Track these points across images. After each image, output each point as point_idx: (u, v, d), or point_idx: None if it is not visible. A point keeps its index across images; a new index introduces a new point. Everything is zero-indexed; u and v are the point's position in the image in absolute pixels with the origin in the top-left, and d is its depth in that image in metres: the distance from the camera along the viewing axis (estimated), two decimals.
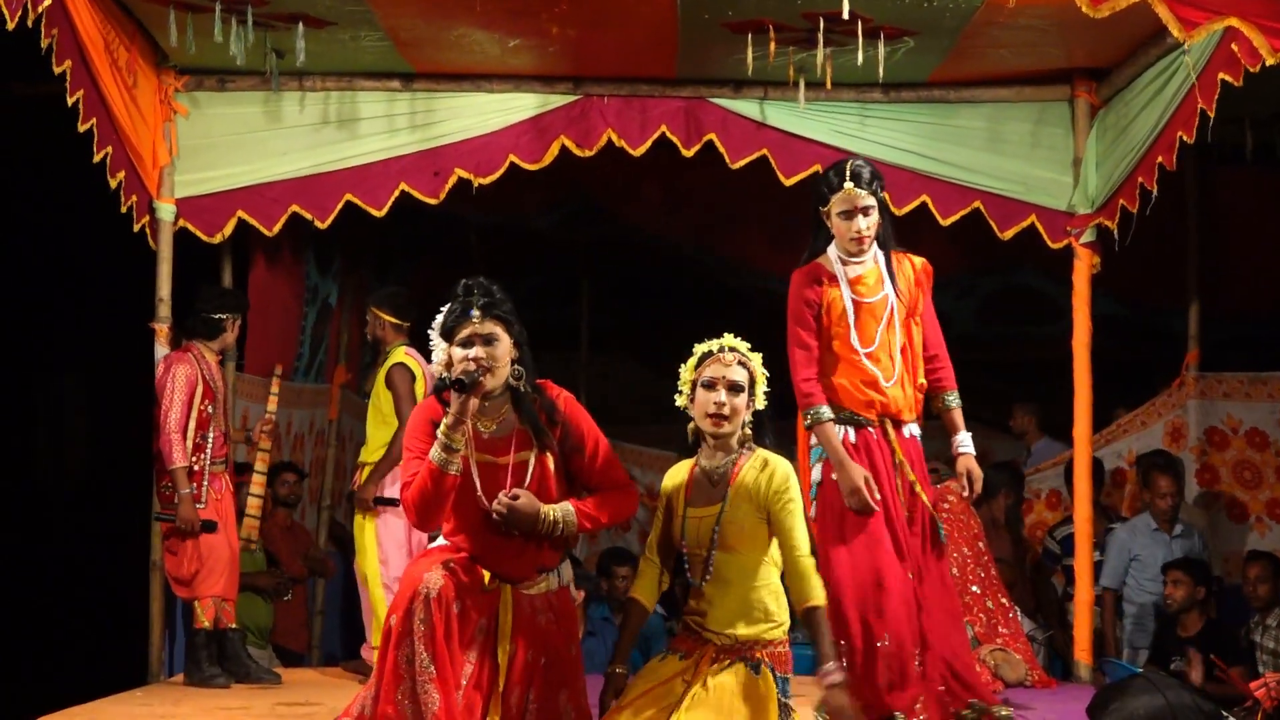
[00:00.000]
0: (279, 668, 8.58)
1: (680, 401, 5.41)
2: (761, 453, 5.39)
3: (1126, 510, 10.09)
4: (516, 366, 5.26)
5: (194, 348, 8.10)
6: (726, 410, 5.28)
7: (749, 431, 5.38)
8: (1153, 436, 10.17)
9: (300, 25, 7.72)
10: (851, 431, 6.08)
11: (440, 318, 5.28)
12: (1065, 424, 8.65)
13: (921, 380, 6.23)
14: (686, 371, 5.38)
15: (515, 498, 5.14)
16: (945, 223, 8.59)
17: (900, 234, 9.91)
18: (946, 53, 8.09)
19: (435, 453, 5.06)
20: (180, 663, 8.37)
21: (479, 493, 5.19)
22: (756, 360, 5.39)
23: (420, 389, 8.08)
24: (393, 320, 8.26)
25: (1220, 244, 10.50)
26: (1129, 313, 11.21)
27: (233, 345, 8.33)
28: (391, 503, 7.96)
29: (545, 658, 5.20)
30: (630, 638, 5.45)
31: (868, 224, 6.09)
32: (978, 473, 6.23)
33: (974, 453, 6.25)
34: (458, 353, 5.17)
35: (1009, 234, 8.62)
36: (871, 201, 6.07)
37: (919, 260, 6.26)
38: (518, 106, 8.55)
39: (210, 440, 8.03)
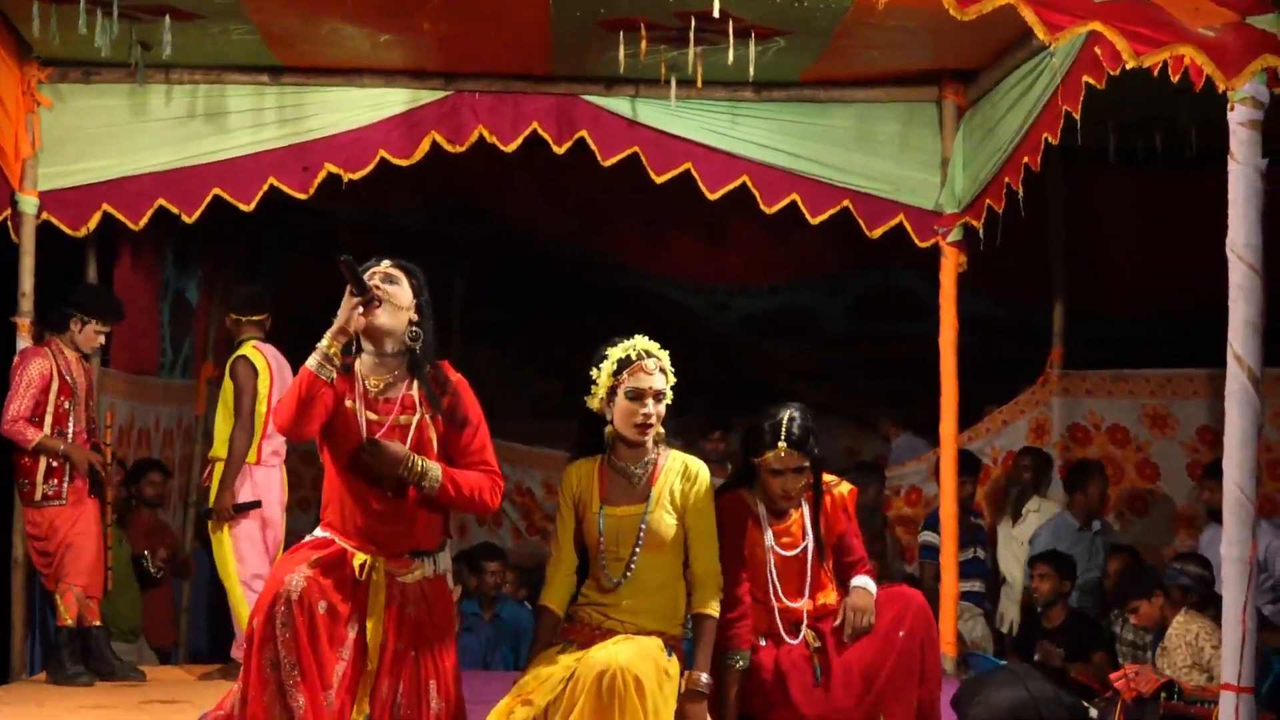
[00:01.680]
0: (147, 665, 8.46)
1: (593, 404, 5.43)
2: (677, 455, 5.49)
3: (986, 507, 10.22)
4: (415, 329, 5.21)
5: (53, 343, 8.00)
6: (654, 419, 5.36)
7: (662, 431, 5.45)
8: (1017, 433, 10.33)
9: (167, 18, 7.60)
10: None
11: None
12: (935, 421, 8.75)
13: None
14: (603, 376, 5.39)
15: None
16: (814, 221, 8.64)
17: (772, 231, 10.13)
18: (817, 53, 8.13)
19: (312, 359, 5.02)
20: (41, 662, 8.25)
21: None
22: (667, 360, 5.44)
23: (264, 384, 8.00)
24: (240, 317, 8.23)
25: (1086, 244, 10.66)
26: (998, 311, 11.35)
27: (91, 347, 8.16)
28: (248, 507, 7.98)
29: (415, 649, 5.16)
30: (544, 647, 5.42)
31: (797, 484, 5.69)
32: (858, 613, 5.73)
33: (870, 591, 5.72)
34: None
35: (877, 233, 8.69)
36: (805, 463, 5.65)
37: (844, 489, 5.86)
38: (388, 102, 8.49)
39: (70, 435, 7.92)
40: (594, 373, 5.43)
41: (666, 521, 5.40)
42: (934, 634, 5.62)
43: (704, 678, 5.36)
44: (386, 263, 5.23)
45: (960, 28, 6.25)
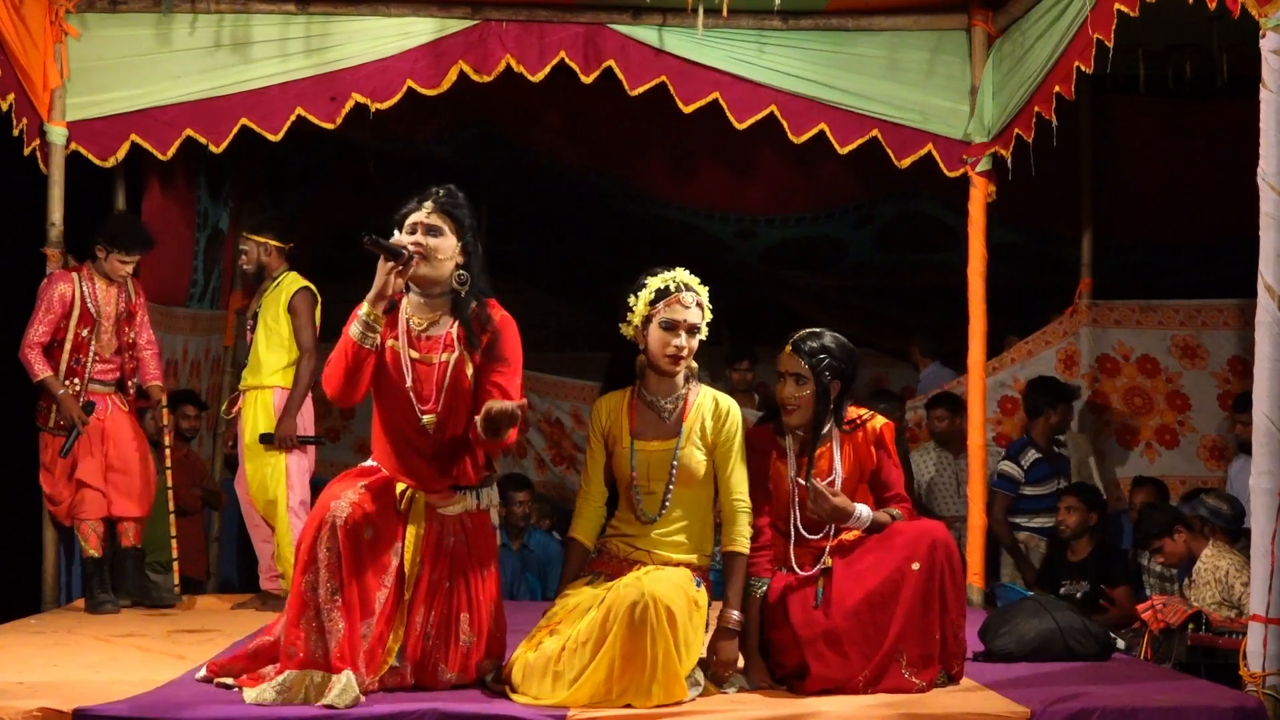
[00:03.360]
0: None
1: (627, 331, 5.47)
2: (708, 390, 5.54)
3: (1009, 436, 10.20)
4: (462, 272, 5.28)
5: (84, 269, 8.05)
6: (685, 352, 5.40)
7: (694, 364, 5.49)
8: (1044, 364, 10.27)
9: None
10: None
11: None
12: (961, 350, 8.74)
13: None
14: (639, 304, 5.42)
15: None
16: (843, 151, 8.60)
17: (799, 161, 10.07)
18: None
19: (354, 328, 5.10)
20: (80, 588, 8.34)
21: (408, 385, 5.22)
22: (705, 296, 5.47)
23: (318, 314, 8.09)
24: (277, 244, 8.24)
25: (1114, 172, 10.60)
26: (1025, 240, 11.29)
27: (119, 276, 8.13)
28: (312, 441, 8.16)
29: (451, 580, 5.26)
30: (573, 577, 5.50)
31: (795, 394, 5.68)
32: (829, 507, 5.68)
33: (852, 513, 5.65)
34: (402, 238, 5.22)
35: (906, 162, 8.65)
36: (806, 373, 5.63)
37: (878, 423, 5.84)
38: (415, 31, 8.44)
39: (87, 364, 7.98)
40: (630, 299, 5.45)
41: (697, 457, 5.45)
42: (956, 567, 5.58)
43: (735, 615, 5.42)
44: (429, 208, 5.26)
45: None
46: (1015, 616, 6.59)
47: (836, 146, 8.60)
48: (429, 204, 5.27)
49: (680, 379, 5.48)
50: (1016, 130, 8.09)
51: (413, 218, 5.25)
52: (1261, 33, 5.31)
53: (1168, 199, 10.82)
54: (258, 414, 8.12)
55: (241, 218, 10.60)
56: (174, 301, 9.97)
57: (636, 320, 5.44)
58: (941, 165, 8.60)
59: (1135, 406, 10.26)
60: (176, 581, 8.45)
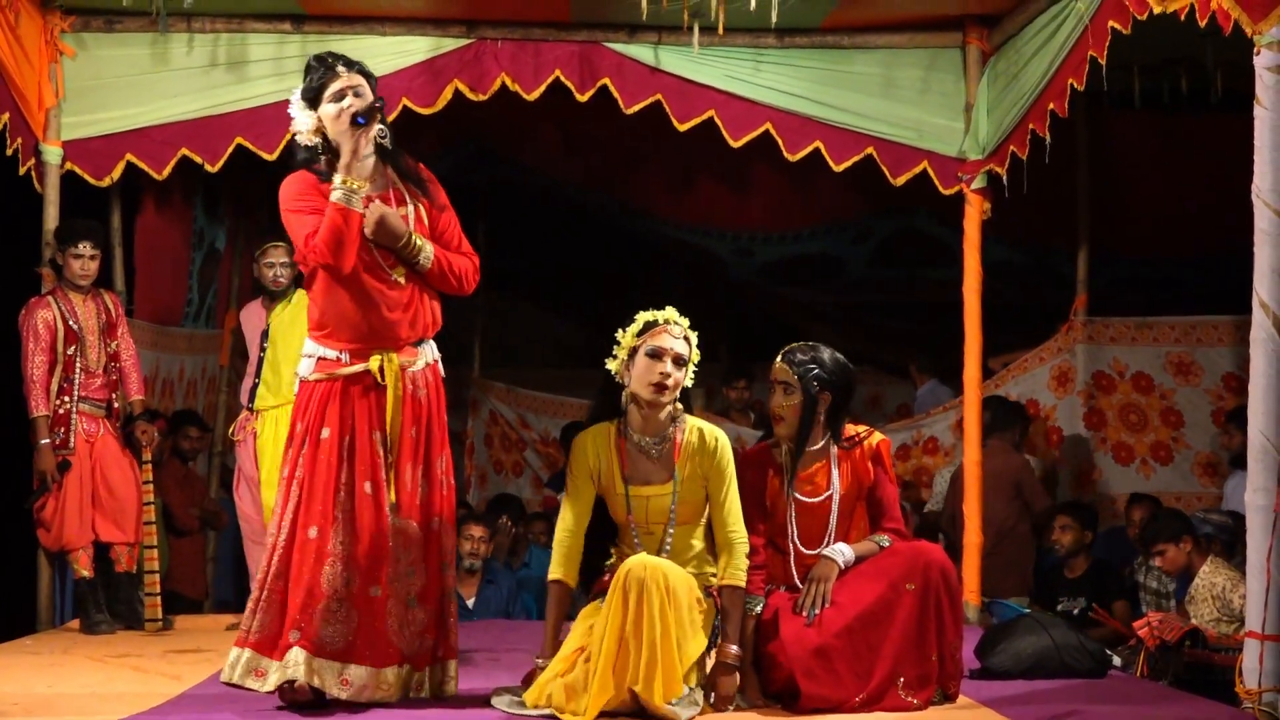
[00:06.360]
0: (174, 615, 8.49)
1: (613, 366, 5.47)
2: (692, 420, 5.52)
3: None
4: (381, 127, 5.37)
5: (57, 290, 8.05)
6: (670, 381, 5.36)
7: (679, 406, 5.48)
8: (1038, 380, 10.31)
9: None
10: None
11: (300, 90, 5.44)
12: (959, 366, 8.76)
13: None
14: (626, 338, 5.43)
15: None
16: (838, 169, 8.61)
17: (796, 178, 10.09)
18: None
19: (338, 195, 5.19)
20: (73, 609, 8.34)
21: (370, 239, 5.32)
22: (694, 336, 5.48)
23: None
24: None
25: (1110, 188, 10.62)
26: (1022, 256, 11.32)
27: (87, 275, 8.06)
28: None
29: (422, 429, 5.40)
30: (557, 625, 5.48)
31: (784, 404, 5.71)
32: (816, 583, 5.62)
33: (836, 561, 5.62)
34: (331, 108, 5.31)
35: (901, 180, 8.66)
36: (794, 383, 5.66)
37: (876, 439, 5.83)
38: (411, 50, 8.47)
39: (76, 382, 7.98)
40: (619, 334, 5.46)
41: (696, 497, 5.46)
42: (954, 588, 5.56)
43: (734, 649, 5.41)
44: (342, 70, 5.37)
45: None
46: (1012, 634, 6.59)
47: (832, 164, 8.61)
48: (340, 67, 5.37)
49: (666, 416, 5.45)
50: (1011, 147, 8.09)
51: (335, 85, 5.33)
52: (1255, 49, 5.32)
53: (1164, 213, 10.85)
54: (279, 433, 8.11)
55: (239, 236, 10.61)
56: (170, 321, 9.98)
57: (623, 354, 5.44)
58: (937, 183, 8.60)
59: (1130, 423, 10.28)
60: (154, 593, 8.19)
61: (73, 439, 7.96)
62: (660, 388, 5.36)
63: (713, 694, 5.43)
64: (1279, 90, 5.27)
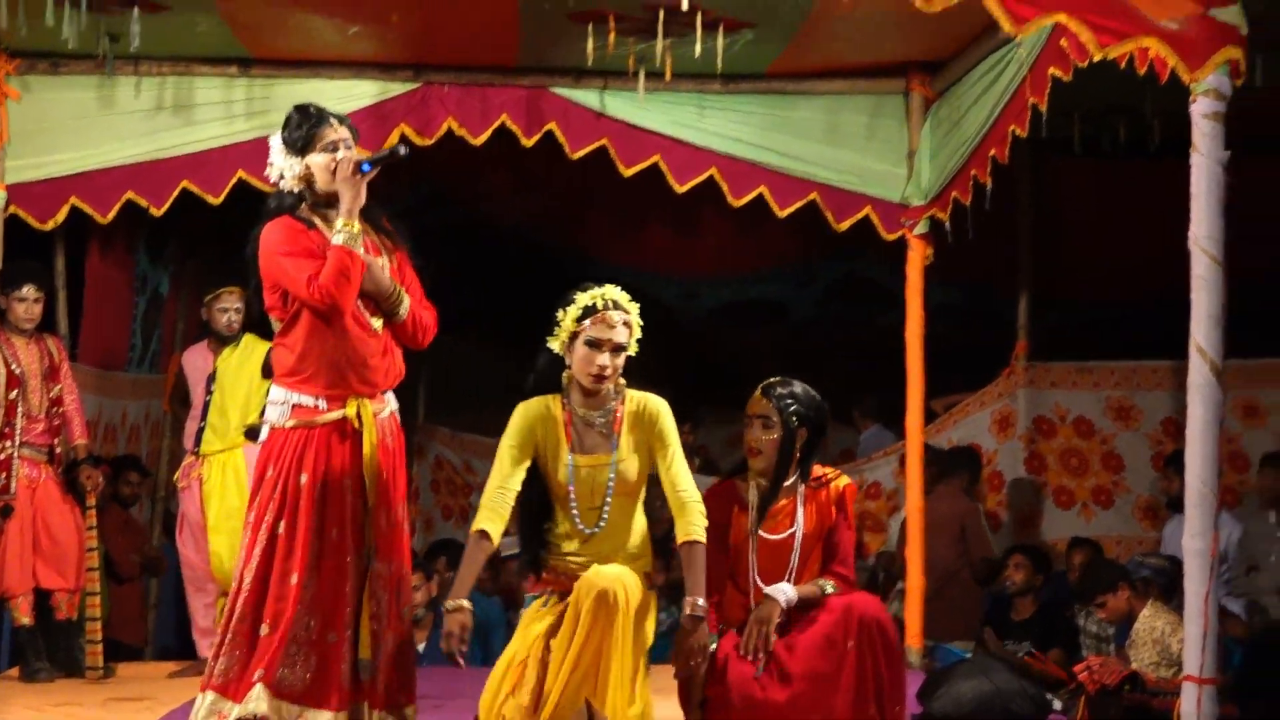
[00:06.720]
0: (114, 662, 8.44)
1: (554, 345, 5.42)
2: (632, 395, 5.47)
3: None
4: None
5: (0, 334, 8.04)
6: (609, 372, 5.34)
7: (622, 380, 5.46)
8: (980, 425, 10.41)
9: (135, 9, 7.60)
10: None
11: (282, 135, 5.46)
12: (899, 411, 8.84)
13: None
14: (567, 320, 5.37)
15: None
16: (782, 214, 8.69)
17: (742, 222, 10.15)
18: (785, 45, 8.18)
19: (341, 238, 5.24)
20: (9, 658, 8.31)
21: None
22: (635, 312, 5.44)
23: None
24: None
25: (1051, 234, 10.74)
26: (966, 300, 11.41)
27: (31, 319, 8.10)
28: None
29: (389, 476, 5.43)
30: (474, 572, 5.38)
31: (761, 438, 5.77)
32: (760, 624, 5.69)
33: (779, 601, 5.67)
34: (321, 158, 5.36)
35: (844, 225, 8.74)
36: (774, 417, 5.74)
37: (842, 482, 5.88)
38: (358, 94, 8.48)
39: (18, 427, 7.97)
40: (559, 314, 5.42)
41: (634, 468, 5.43)
42: (890, 640, 5.56)
43: (700, 600, 5.33)
44: (334, 123, 5.43)
45: (926, 20, 6.29)
46: (953, 678, 6.64)
47: (776, 209, 8.69)
48: (332, 120, 5.44)
49: (607, 392, 5.44)
50: (954, 193, 8.18)
51: (328, 136, 5.39)
52: (1192, 97, 5.41)
53: (1104, 258, 10.97)
54: (226, 479, 8.10)
55: (184, 280, 10.59)
56: (114, 366, 9.97)
57: (563, 336, 5.41)
58: (880, 228, 8.68)
59: (1071, 467, 10.39)
60: (95, 640, 8.14)
61: (13, 484, 7.93)
62: (599, 379, 5.35)
63: (682, 648, 5.35)
64: (1215, 137, 5.36)
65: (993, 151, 7.60)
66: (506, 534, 5.49)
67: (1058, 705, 6.96)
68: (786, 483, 5.74)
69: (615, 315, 5.37)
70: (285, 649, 5.19)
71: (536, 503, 5.51)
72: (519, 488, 5.42)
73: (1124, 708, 7.00)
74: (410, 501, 11.94)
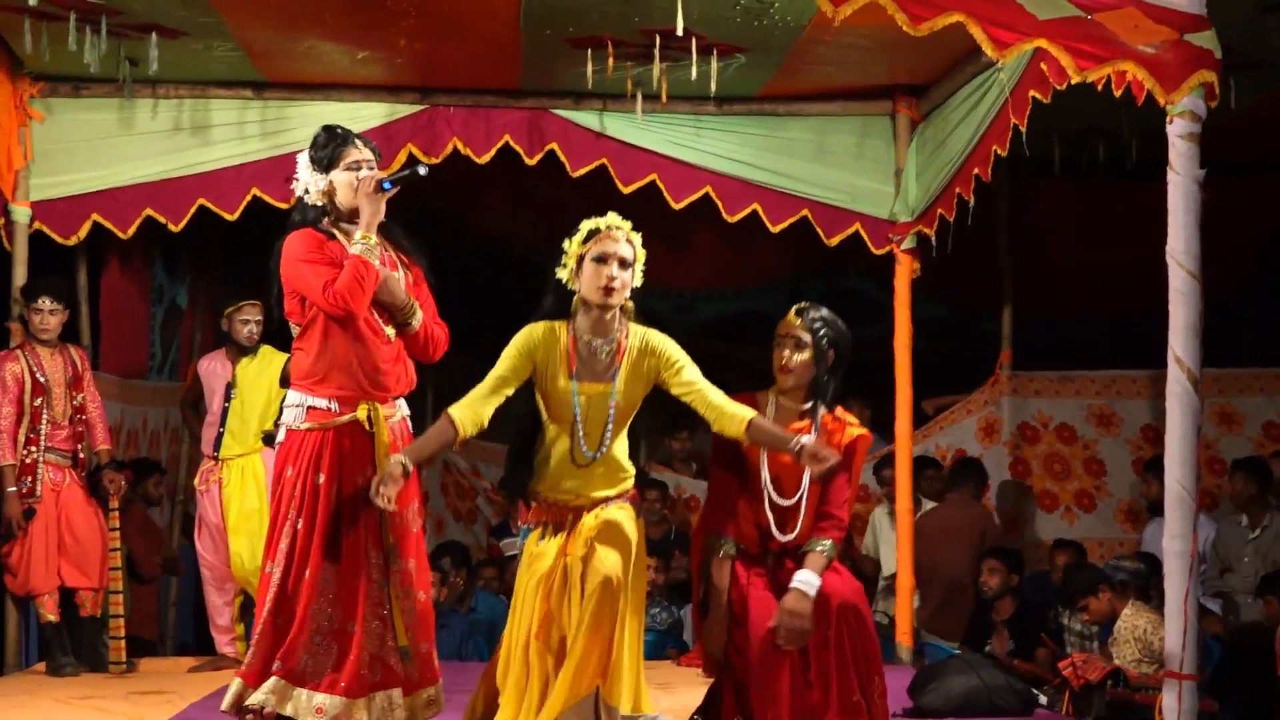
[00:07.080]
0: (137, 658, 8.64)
1: (563, 275, 5.43)
2: (637, 330, 5.49)
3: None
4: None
5: (25, 344, 8.26)
6: (618, 284, 5.35)
7: (630, 305, 5.48)
8: (966, 431, 10.57)
9: (154, 35, 7.86)
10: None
11: (309, 153, 5.66)
12: (888, 420, 9.07)
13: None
14: (573, 246, 5.41)
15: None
16: (775, 229, 8.97)
17: (735, 239, 10.36)
18: (776, 69, 8.42)
19: (359, 248, 5.45)
20: (39, 653, 8.49)
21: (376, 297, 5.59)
22: (638, 239, 5.47)
23: None
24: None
25: (1032, 251, 10.91)
26: (949, 314, 11.59)
27: (47, 329, 8.25)
28: None
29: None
30: (430, 446, 5.47)
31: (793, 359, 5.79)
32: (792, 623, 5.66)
33: (809, 595, 5.61)
34: (345, 176, 5.59)
35: (834, 241, 9.04)
36: (807, 340, 5.76)
37: (859, 432, 5.85)
38: (366, 115, 8.73)
39: (42, 433, 8.20)
40: (565, 244, 5.47)
41: (632, 397, 5.49)
42: (866, 628, 5.63)
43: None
44: (356, 141, 5.66)
45: (912, 44, 6.42)
46: (942, 674, 6.82)
47: (769, 225, 8.95)
48: (357, 141, 5.66)
49: (614, 319, 5.45)
50: (939, 210, 8.41)
51: (352, 156, 5.62)
52: (1168, 118, 5.52)
53: (1083, 275, 11.13)
54: (245, 482, 8.38)
55: (200, 292, 10.79)
56: (135, 374, 10.19)
57: (571, 263, 5.43)
58: (869, 243, 8.94)
59: (1055, 472, 10.57)
60: (118, 636, 8.32)
61: (39, 488, 8.17)
62: (608, 290, 5.35)
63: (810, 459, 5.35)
64: (1190, 157, 5.48)
65: (976, 170, 7.82)
66: (508, 533, 5.62)
67: (1043, 700, 7.14)
68: (806, 405, 5.76)
69: (618, 233, 5.42)
70: (309, 639, 5.44)
71: (529, 422, 5.58)
72: (500, 402, 5.47)
73: (1107, 703, 7.22)
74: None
